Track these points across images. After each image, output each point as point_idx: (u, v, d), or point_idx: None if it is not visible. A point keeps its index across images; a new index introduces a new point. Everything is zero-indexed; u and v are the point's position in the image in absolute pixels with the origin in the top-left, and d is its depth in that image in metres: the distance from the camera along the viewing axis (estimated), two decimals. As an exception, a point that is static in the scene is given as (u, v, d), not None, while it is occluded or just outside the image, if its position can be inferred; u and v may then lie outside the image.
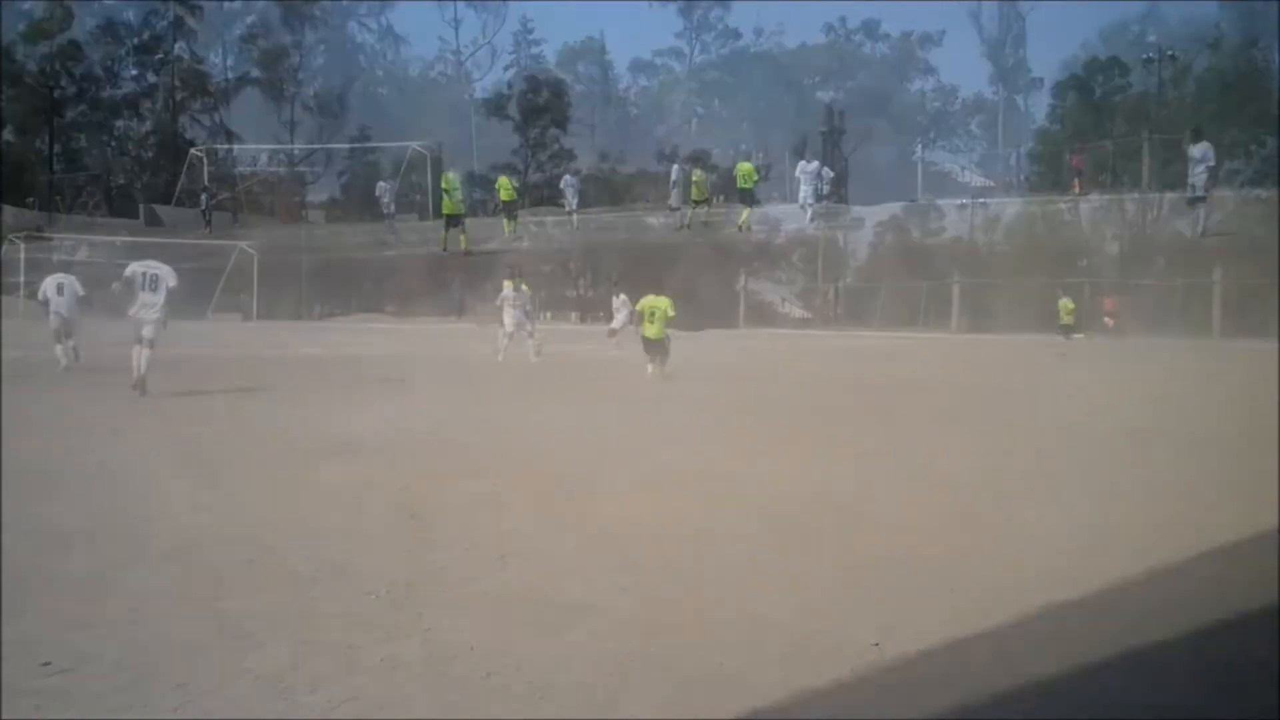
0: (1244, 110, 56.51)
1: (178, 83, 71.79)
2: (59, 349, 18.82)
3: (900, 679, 1.89)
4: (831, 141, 65.22)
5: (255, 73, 73.92)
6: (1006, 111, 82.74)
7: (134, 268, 16.09)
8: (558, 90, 74.75)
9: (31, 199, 63.94)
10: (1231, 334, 40.80)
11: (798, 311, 60.15)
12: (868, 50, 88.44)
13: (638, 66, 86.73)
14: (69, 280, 19.87)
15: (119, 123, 71.55)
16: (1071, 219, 54.24)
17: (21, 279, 42.14)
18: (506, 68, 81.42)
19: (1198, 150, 26.56)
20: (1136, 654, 1.52)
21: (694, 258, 65.69)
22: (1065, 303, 41.26)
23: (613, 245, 48.27)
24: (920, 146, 78.58)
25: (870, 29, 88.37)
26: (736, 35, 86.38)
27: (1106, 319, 45.30)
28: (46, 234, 55.57)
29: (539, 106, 72.19)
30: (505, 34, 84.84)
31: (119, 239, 59.29)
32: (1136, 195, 52.46)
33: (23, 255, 46.37)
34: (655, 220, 45.22)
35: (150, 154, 73.42)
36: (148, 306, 15.33)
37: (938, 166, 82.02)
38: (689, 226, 35.96)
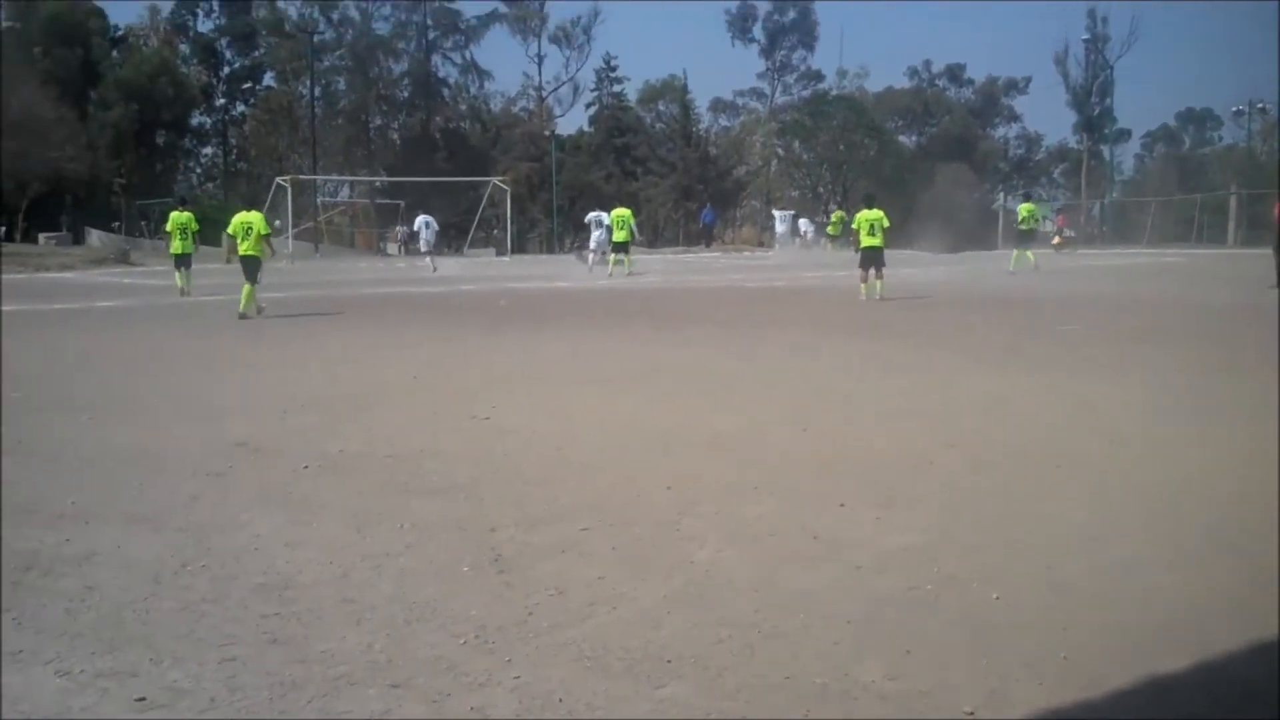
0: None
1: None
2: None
3: None
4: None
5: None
6: (1090, 161, 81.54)
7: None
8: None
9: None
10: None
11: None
12: (952, 95, 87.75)
13: (718, 106, 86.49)
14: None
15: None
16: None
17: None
18: (589, 105, 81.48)
19: None
20: None
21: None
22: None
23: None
24: (1002, 194, 77.65)
25: (955, 74, 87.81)
26: (819, 77, 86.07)
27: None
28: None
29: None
30: (588, 70, 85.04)
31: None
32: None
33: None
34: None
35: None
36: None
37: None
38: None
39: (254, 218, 18.73)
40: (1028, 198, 38.09)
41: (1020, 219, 31.72)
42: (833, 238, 44.90)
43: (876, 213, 20.37)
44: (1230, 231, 55.45)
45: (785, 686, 3.51)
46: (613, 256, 31.28)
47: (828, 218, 59.32)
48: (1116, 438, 7.45)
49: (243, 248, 18.61)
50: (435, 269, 33.94)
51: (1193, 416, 8.30)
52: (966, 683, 3.54)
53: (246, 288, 18.20)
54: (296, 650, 3.83)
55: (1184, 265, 34.36)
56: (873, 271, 20.14)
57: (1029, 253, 30.13)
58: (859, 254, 20.79)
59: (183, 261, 23.27)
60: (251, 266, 18.44)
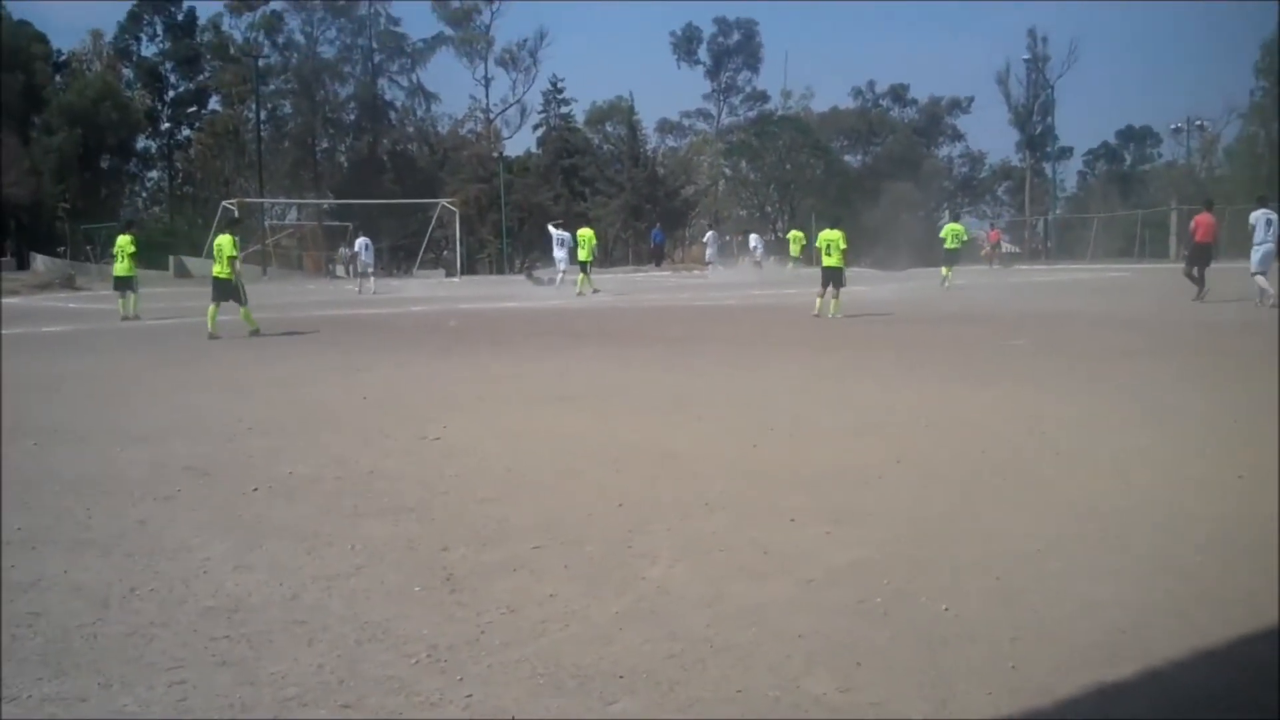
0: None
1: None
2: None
3: None
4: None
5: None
6: (1033, 178, 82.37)
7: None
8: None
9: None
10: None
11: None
12: (896, 115, 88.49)
13: (665, 127, 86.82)
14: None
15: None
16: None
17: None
18: (536, 127, 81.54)
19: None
20: None
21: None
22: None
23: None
24: (947, 212, 78.14)
25: (898, 94, 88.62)
26: (764, 98, 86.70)
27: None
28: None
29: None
30: (535, 93, 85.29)
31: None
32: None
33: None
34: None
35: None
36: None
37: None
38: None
39: (223, 240, 18.75)
40: (956, 219, 42.02)
41: (944, 238, 33.98)
42: (794, 258, 45.10)
43: (835, 233, 20.59)
44: (1172, 246, 56.09)
45: (737, 700, 3.53)
46: (581, 276, 32.03)
47: (775, 236, 59.62)
48: (1062, 450, 7.54)
49: (214, 270, 18.71)
50: (373, 290, 34.86)
51: (1138, 429, 8.39)
52: (916, 694, 3.57)
53: (243, 310, 18.48)
54: (246, 672, 3.81)
55: (1127, 280, 34.79)
56: (829, 289, 20.28)
57: (944, 270, 32.12)
58: (822, 272, 20.99)
59: (125, 285, 23.07)
60: (220, 288, 18.50)
